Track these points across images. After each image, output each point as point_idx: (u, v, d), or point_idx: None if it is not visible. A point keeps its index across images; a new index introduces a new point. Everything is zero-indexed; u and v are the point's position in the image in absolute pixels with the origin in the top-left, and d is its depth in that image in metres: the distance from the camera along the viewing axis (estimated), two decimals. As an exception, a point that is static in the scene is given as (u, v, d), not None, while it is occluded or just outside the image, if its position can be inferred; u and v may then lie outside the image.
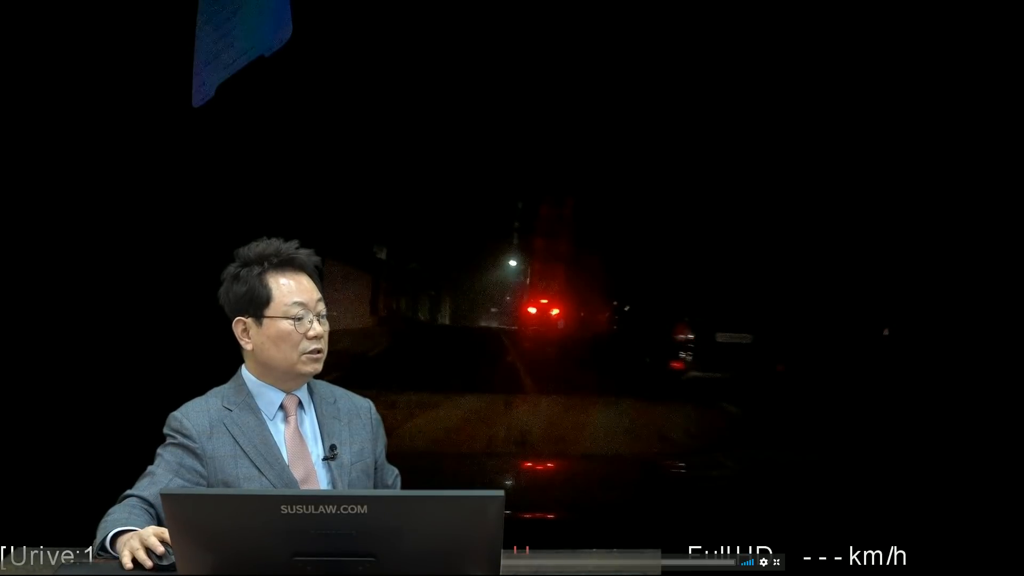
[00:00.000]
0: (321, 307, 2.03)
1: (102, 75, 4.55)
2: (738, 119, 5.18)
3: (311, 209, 4.96)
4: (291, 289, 2.01)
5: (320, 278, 2.08)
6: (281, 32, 4.19)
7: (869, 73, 4.84)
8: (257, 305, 2.00)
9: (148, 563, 1.71)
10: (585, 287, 6.32)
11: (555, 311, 6.44)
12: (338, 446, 2.02)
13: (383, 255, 6.38)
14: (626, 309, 6.51)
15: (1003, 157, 4.63)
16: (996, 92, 4.57)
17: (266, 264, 2.02)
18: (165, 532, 1.68)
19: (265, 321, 2.00)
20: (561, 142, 5.50)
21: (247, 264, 2.02)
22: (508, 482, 5.35)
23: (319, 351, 2.02)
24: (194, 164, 4.68)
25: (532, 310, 6.47)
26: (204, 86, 4.32)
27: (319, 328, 2.01)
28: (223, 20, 4.27)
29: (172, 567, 1.66)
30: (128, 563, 1.72)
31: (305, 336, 2.00)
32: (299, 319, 1.99)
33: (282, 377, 2.03)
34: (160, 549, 1.71)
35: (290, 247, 2.04)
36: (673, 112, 5.29)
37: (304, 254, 2.05)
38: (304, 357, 2.00)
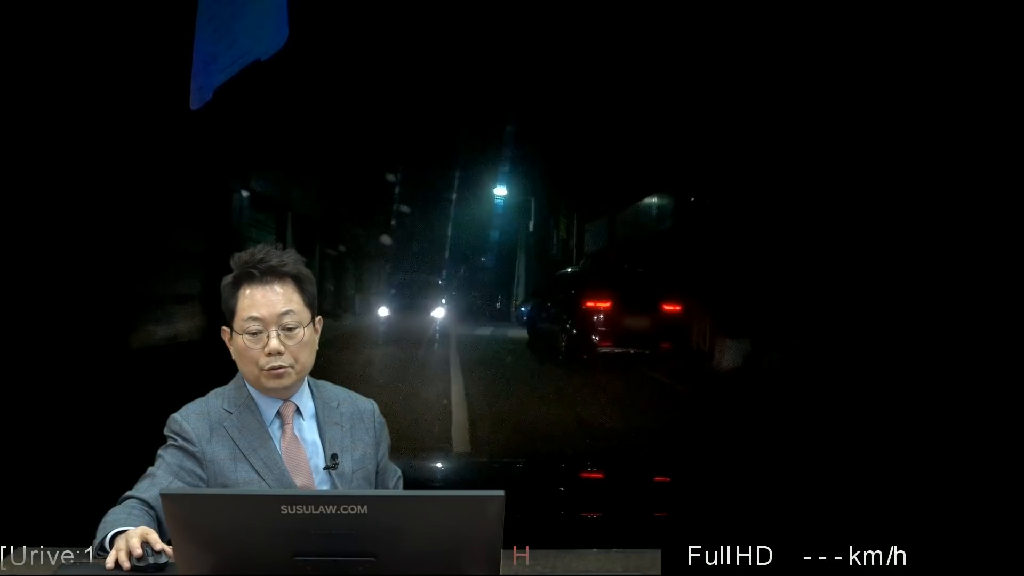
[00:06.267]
0: (287, 319, 1.92)
1: (101, 74, 4.55)
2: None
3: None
4: (251, 303, 1.92)
5: (302, 285, 1.96)
6: (278, 35, 4.18)
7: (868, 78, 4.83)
8: (229, 316, 1.96)
9: (126, 564, 1.69)
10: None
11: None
12: (339, 454, 1.98)
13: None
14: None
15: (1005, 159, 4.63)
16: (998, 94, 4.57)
17: (240, 274, 1.95)
18: (151, 533, 1.69)
19: (233, 334, 1.96)
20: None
21: (230, 273, 1.97)
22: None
23: (278, 368, 1.92)
24: (192, 158, 4.67)
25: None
26: (202, 89, 4.32)
27: (275, 344, 1.91)
28: (222, 23, 4.27)
29: (172, 567, 1.66)
30: (111, 564, 1.71)
31: (263, 352, 1.92)
32: (254, 334, 1.92)
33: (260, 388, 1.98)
34: (138, 551, 1.69)
35: (268, 254, 1.94)
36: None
37: (278, 261, 1.94)
38: (263, 373, 1.93)
